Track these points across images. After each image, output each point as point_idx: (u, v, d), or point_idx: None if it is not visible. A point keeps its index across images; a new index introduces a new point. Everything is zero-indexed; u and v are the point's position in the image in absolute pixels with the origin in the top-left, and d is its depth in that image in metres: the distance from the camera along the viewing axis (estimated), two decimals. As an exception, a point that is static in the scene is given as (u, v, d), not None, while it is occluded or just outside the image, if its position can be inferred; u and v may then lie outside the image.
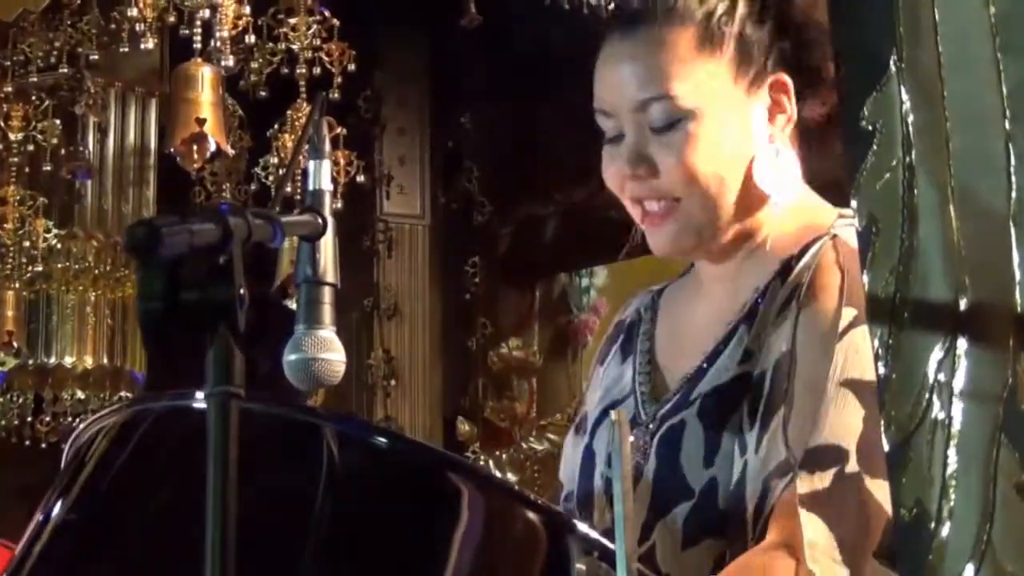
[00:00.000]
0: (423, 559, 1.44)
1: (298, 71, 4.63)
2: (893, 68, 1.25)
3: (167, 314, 1.29)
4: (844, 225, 1.85)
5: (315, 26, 4.54)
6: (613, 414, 1.42)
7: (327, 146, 1.81)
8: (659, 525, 1.82)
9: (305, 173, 1.77)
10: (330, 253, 1.75)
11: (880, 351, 1.24)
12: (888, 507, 1.61)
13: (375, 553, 1.44)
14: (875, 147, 1.25)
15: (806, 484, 1.67)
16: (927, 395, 1.22)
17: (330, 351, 1.71)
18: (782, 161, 1.88)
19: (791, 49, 1.90)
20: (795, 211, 1.91)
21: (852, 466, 1.68)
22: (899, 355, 1.23)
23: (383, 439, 1.49)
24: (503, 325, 6.94)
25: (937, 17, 1.24)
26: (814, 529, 1.65)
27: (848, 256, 1.76)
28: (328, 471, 1.46)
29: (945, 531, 1.20)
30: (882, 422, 1.22)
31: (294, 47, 4.55)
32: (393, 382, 6.36)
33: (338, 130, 4.79)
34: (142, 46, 4.22)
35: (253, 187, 5.01)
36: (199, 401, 1.51)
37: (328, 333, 1.73)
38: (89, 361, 5.51)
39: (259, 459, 1.32)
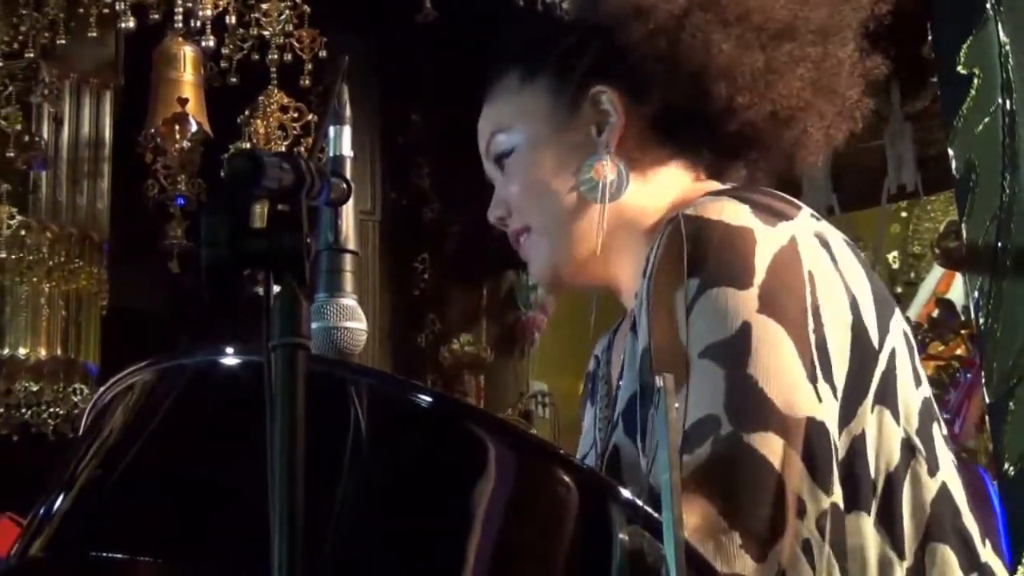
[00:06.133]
0: (454, 518, 1.35)
1: (269, 57, 4.53)
2: (990, 11, 1.19)
3: (232, 261, 1.22)
4: (703, 199, 1.74)
5: (287, 12, 4.45)
6: (659, 380, 1.35)
7: (348, 112, 1.75)
8: None
9: (326, 138, 1.72)
10: (351, 220, 1.69)
11: (981, 301, 1.17)
12: (774, 458, 1.55)
13: (406, 510, 1.35)
14: (973, 92, 1.19)
15: (689, 465, 1.58)
16: (1032, 346, 1.15)
17: (352, 319, 1.66)
18: (613, 175, 1.84)
19: (606, 56, 1.88)
20: (660, 208, 1.86)
21: (725, 427, 1.57)
22: (1001, 305, 1.17)
23: (420, 395, 1.41)
24: (452, 322, 6.87)
25: (1040, -44, 1.19)
26: (693, 511, 1.53)
27: (688, 222, 1.67)
28: (356, 427, 1.37)
29: (1054, 486, 1.14)
30: (983, 375, 1.15)
31: (265, 33, 4.45)
32: (344, 377, 6.26)
33: (309, 117, 4.70)
34: (121, 25, 4.09)
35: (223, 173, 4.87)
36: (230, 357, 1.43)
37: (350, 301, 1.67)
38: (43, 352, 5.36)
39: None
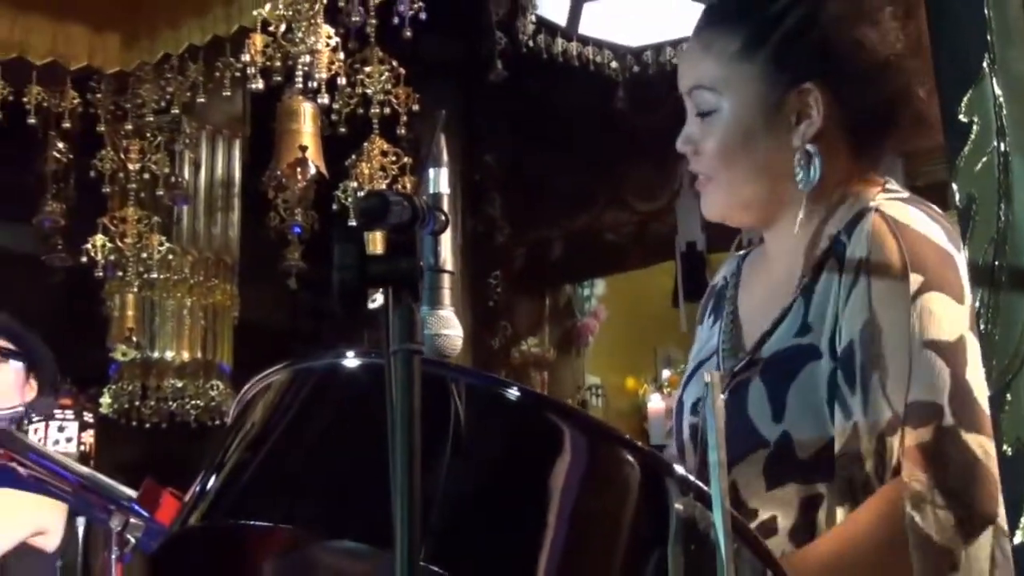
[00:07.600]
0: (538, 490, 1.34)
1: (372, 111, 4.55)
2: (986, 68, 1.19)
3: (359, 282, 1.23)
4: (887, 199, 1.72)
5: (386, 73, 4.47)
6: (707, 375, 1.33)
7: (444, 156, 1.74)
8: (735, 469, 1.72)
9: (427, 179, 1.71)
10: (449, 246, 1.67)
11: (981, 311, 1.17)
12: (986, 460, 1.51)
13: (498, 483, 1.34)
14: (972, 137, 1.18)
15: (911, 438, 1.55)
16: (1025, 348, 1.15)
17: (450, 328, 1.65)
18: (810, 165, 1.75)
19: (828, 62, 1.75)
20: (836, 192, 1.78)
21: (948, 420, 1.55)
22: (998, 313, 1.16)
23: (509, 389, 1.39)
24: (519, 327, 6.87)
25: (1028, 22, 1.18)
26: (918, 481, 1.53)
27: (898, 225, 1.65)
28: (457, 417, 1.36)
29: (1045, 464, 1.13)
30: (983, 371, 1.15)
31: (368, 91, 4.48)
32: (434, 375, 6.27)
33: (405, 160, 4.73)
34: (251, 86, 4.13)
35: (334, 207, 4.92)
36: (351, 359, 1.42)
37: (448, 312, 1.66)
38: (186, 355, 5.48)
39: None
